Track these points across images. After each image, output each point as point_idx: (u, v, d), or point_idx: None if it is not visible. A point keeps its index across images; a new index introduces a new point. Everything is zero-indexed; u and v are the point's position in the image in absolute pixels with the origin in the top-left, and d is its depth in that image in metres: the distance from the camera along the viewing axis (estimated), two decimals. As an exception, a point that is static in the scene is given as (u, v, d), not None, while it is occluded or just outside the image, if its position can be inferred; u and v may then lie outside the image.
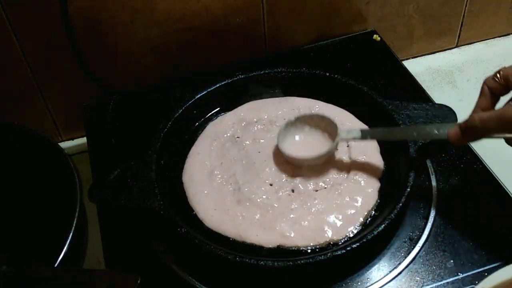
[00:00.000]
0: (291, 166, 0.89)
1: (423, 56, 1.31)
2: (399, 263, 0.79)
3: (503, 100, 0.76)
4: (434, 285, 0.76)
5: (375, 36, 1.19)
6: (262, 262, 0.75)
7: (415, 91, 1.06)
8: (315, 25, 1.18)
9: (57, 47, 1.03)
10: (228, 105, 1.02)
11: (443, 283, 0.77)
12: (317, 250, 0.79)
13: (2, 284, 0.76)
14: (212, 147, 0.94)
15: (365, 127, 0.95)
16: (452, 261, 0.79)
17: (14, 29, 0.99)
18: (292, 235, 0.80)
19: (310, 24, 1.18)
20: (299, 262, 0.75)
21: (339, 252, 0.75)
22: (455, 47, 1.32)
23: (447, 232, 0.82)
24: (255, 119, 0.98)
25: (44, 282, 0.74)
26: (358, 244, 0.75)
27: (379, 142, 0.93)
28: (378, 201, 0.85)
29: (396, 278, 0.78)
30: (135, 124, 1.05)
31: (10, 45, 1.00)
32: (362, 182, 0.86)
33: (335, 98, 1.00)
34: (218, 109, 1.02)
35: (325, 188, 0.86)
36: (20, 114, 1.09)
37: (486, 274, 0.77)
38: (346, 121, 0.96)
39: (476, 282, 0.76)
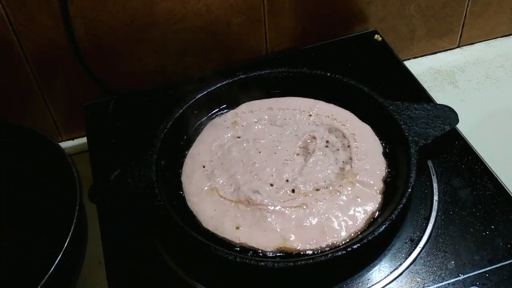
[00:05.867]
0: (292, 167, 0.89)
1: (425, 56, 1.31)
2: (400, 264, 0.79)
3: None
4: (435, 286, 0.76)
5: (376, 36, 1.19)
6: (262, 263, 0.75)
7: (416, 92, 1.06)
8: (316, 25, 1.18)
9: (57, 47, 1.03)
10: (229, 105, 1.02)
11: (444, 284, 0.76)
12: (318, 252, 0.79)
13: None
14: (212, 147, 0.94)
15: (366, 126, 0.95)
16: (453, 262, 0.79)
17: (14, 29, 0.99)
18: (292, 237, 0.80)
19: (311, 24, 1.18)
20: (299, 263, 0.74)
21: (339, 253, 0.75)
22: (456, 47, 1.32)
23: (448, 233, 0.82)
24: (255, 119, 0.98)
25: None
26: (358, 245, 0.75)
27: (382, 143, 0.92)
28: (381, 202, 0.84)
29: (397, 279, 0.78)
30: (135, 124, 1.05)
31: (11, 45, 1.00)
32: (364, 183, 0.86)
33: (336, 98, 0.99)
34: (218, 109, 1.02)
35: (326, 188, 0.86)
36: (21, 113, 1.09)
37: (487, 275, 0.77)
38: (347, 122, 0.95)
39: (478, 283, 0.76)
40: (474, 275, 0.77)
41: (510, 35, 1.33)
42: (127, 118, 1.07)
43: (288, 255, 0.79)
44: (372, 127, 0.95)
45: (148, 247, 0.84)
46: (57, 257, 0.77)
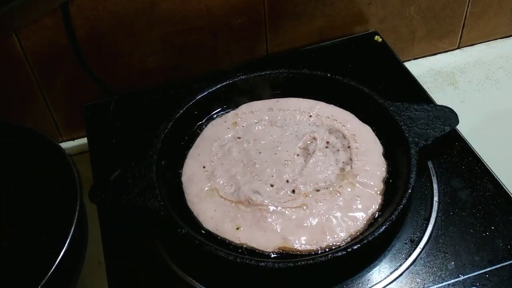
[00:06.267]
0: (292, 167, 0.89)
1: (425, 58, 1.31)
2: (400, 265, 0.79)
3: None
4: (435, 287, 0.76)
5: (376, 37, 1.19)
6: (262, 263, 0.75)
7: (416, 93, 1.06)
8: (317, 26, 1.18)
9: (58, 47, 1.03)
10: (229, 106, 1.02)
11: (444, 285, 0.76)
12: (318, 252, 0.79)
13: None
14: (213, 148, 0.94)
15: (367, 127, 0.95)
16: (453, 262, 0.79)
17: (15, 29, 0.99)
18: (293, 238, 0.80)
19: (312, 25, 1.18)
20: (299, 263, 0.74)
21: (339, 254, 0.75)
22: (456, 49, 1.32)
23: (448, 233, 0.82)
24: (256, 120, 0.98)
25: None
26: (358, 245, 0.75)
27: (382, 144, 0.93)
28: (381, 202, 0.84)
29: (397, 280, 0.78)
30: (135, 124, 1.05)
31: (11, 45, 1.00)
32: (364, 183, 0.86)
33: (336, 99, 0.99)
34: (219, 109, 1.02)
35: (327, 189, 0.86)
36: (21, 114, 1.09)
37: (487, 276, 0.77)
38: (347, 122, 0.95)
39: (477, 284, 0.76)
40: (474, 275, 0.77)
41: (510, 36, 1.33)
42: (127, 118, 1.07)
43: (288, 256, 0.79)
44: (372, 128, 0.95)
45: (148, 247, 0.84)
46: (57, 257, 0.77)
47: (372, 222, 0.82)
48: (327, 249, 0.79)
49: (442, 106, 0.94)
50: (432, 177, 0.90)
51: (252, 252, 0.79)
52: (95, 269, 0.92)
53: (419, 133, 0.88)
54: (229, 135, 0.96)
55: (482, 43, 1.33)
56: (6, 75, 1.04)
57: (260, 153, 0.92)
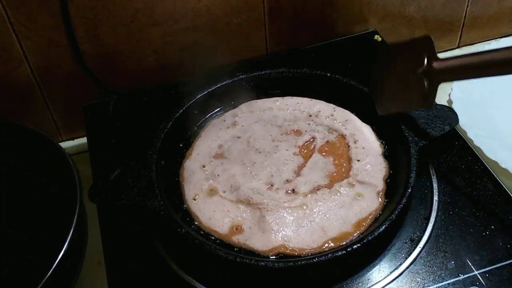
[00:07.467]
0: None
1: (424, 57, 1.31)
2: (400, 264, 0.79)
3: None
4: (435, 286, 0.76)
5: (376, 36, 1.19)
6: (262, 263, 0.75)
7: (416, 92, 1.06)
8: (317, 25, 1.18)
9: (57, 47, 1.03)
10: (229, 105, 1.02)
11: (444, 284, 0.76)
12: (318, 252, 0.79)
13: None
14: (212, 147, 0.94)
15: (367, 127, 0.95)
16: (453, 262, 0.79)
17: (14, 29, 0.99)
18: (292, 237, 0.80)
19: (311, 24, 1.18)
20: (299, 263, 0.74)
21: (339, 253, 0.75)
22: (456, 48, 1.32)
23: (448, 233, 0.82)
24: (255, 120, 0.98)
25: None
26: (358, 245, 0.75)
27: (382, 143, 0.93)
28: (381, 202, 0.84)
29: (397, 279, 0.78)
30: (135, 124, 1.05)
31: (11, 45, 1.00)
32: (364, 183, 0.86)
33: (336, 99, 0.99)
34: (218, 109, 1.02)
35: (326, 189, 0.86)
36: (21, 113, 1.09)
37: (487, 275, 0.77)
38: (347, 122, 0.95)
39: (477, 283, 0.76)
40: (474, 275, 0.77)
41: (509, 35, 1.33)
42: (127, 118, 1.07)
43: (288, 255, 0.79)
44: (372, 128, 0.95)
45: (148, 247, 0.84)
46: (57, 257, 0.77)
47: (372, 222, 0.82)
48: (327, 249, 0.79)
49: (442, 105, 0.94)
50: (432, 177, 0.90)
51: (251, 252, 0.79)
52: (95, 269, 0.92)
53: (419, 132, 0.88)
54: (229, 135, 0.96)
55: (482, 43, 1.33)
56: (6, 75, 1.04)
57: (259, 152, 0.92)
